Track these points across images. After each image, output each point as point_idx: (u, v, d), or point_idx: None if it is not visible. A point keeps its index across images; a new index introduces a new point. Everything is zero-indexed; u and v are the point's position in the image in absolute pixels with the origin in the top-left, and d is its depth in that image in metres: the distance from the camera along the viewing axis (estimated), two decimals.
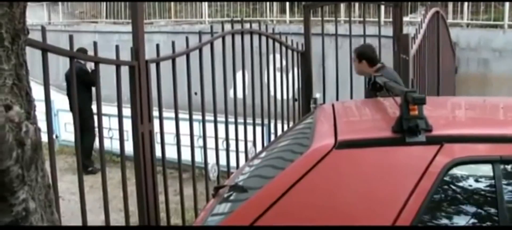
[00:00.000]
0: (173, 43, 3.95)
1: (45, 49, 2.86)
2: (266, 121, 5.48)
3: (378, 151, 2.24)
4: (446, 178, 2.15)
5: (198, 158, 4.98)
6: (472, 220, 2.14)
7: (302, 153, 2.36)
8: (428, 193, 2.09)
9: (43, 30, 2.90)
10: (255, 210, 2.16)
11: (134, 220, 3.81)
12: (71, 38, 3.11)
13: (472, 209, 2.18)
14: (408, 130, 2.19)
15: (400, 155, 2.22)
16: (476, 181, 2.23)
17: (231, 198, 2.61)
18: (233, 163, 4.82)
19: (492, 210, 2.13)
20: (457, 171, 2.18)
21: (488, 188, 2.17)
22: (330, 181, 2.20)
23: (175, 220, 4.85)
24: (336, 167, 2.21)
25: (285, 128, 5.70)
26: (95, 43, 3.33)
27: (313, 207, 2.17)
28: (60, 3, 18.71)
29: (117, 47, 3.47)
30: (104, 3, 17.79)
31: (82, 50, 7.25)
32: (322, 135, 2.43)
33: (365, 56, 5.31)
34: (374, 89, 3.40)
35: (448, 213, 2.17)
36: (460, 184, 2.22)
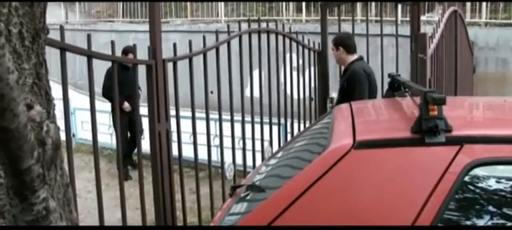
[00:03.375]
0: (190, 42, 3.95)
1: (64, 48, 2.88)
2: (282, 120, 5.46)
3: (397, 152, 2.22)
4: (466, 179, 2.12)
5: (215, 157, 4.98)
6: (493, 222, 2.11)
7: (320, 153, 2.34)
8: (448, 194, 2.06)
9: (62, 29, 2.92)
10: (273, 210, 2.15)
11: (150, 218, 3.82)
12: (89, 37, 3.13)
13: (492, 211, 2.15)
14: (427, 130, 2.16)
15: (420, 155, 2.19)
16: (497, 182, 2.20)
17: (248, 197, 2.60)
18: (249, 162, 4.82)
19: None
20: (477, 172, 2.16)
21: (509, 190, 2.14)
22: (349, 182, 2.18)
23: (191, 219, 4.85)
24: (355, 168, 2.19)
25: (302, 127, 5.68)
26: (112, 42, 3.34)
27: (332, 208, 2.15)
28: (77, 2, 18.85)
29: (134, 46, 3.48)
30: (121, 2, 17.87)
31: (130, 50, 6.87)
32: (340, 135, 2.41)
33: (341, 42, 5.49)
34: (391, 89, 3.37)
35: (468, 214, 2.14)
36: (481, 185, 2.19)
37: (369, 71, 5.39)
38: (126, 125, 7.60)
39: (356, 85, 5.21)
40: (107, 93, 7.53)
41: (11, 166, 1.26)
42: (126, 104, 7.41)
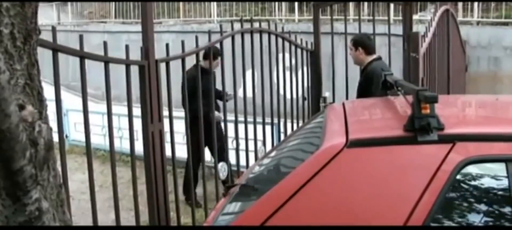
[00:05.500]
0: (182, 42, 3.94)
1: (56, 49, 2.87)
2: (275, 120, 5.46)
3: (390, 150, 2.23)
4: (459, 177, 2.13)
5: (208, 157, 4.97)
6: (485, 220, 2.12)
7: (313, 152, 2.34)
8: (441, 192, 2.08)
9: (54, 30, 2.91)
10: (266, 209, 2.15)
11: (144, 219, 3.81)
12: (81, 38, 3.12)
13: (485, 208, 2.16)
14: (420, 128, 2.18)
15: (412, 153, 2.20)
16: (489, 180, 2.21)
17: (242, 197, 2.60)
18: (243, 162, 4.82)
19: (506, 209, 2.11)
20: (470, 170, 2.16)
21: (501, 187, 2.15)
22: (342, 180, 2.19)
23: (185, 220, 4.85)
24: (348, 166, 2.20)
25: (295, 127, 5.68)
26: (105, 43, 3.33)
27: (325, 206, 2.16)
28: (69, 3, 18.79)
29: (127, 46, 3.47)
30: (113, 3, 17.83)
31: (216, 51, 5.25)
32: (333, 133, 2.42)
33: (360, 43, 5.52)
34: (384, 88, 3.38)
35: (461, 212, 2.15)
36: (473, 183, 2.20)
37: (387, 71, 5.37)
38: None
39: (374, 84, 5.22)
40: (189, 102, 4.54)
41: (3, 167, 1.26)
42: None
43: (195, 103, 4.04)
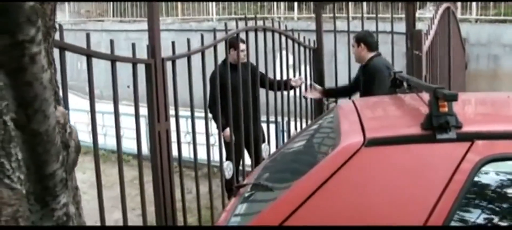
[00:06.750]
0: (188, 40, 3.90)
1: (63, 47, 2.82)
2: (278, 119, 5.42)
3: (408, 148, 2.19)
4: (478, 176, 2.10)
5: (213, 156, 4.92)
6: (506, 219, 2.08)
7: (328, 152, 2.31)
8: (460, 191, 2.04)
9: (61, 28, 2.86)
10: (284, 210, 2.11)
11: (149, 219, 3.77)
12: (88, 36, 3.08)
13: (505, 208, 2.13)
14: (438, 126, 2.14)
15: (431, 152, 2.16)
16: (509, 178, 2.18)
17: (254, 197, 2.56)
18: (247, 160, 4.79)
19: None
20: (490, 168, 2.13)
21: None
22: (360, 179, 2.15)
23: (190, 219, 4.81)
24: (366, 165, 2.16)
25: (298, 125, 5.64)
26: (111, 42, 3.29)
27: (344, 206, 2.12)
28: (66, 2, 18.66)
29: (133, 45, 3.42)
30: (116, 1, 17.69)
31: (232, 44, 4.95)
32: (349, 132, 2.38)
33: (363, 39, 5.52)
34: (394, 86, 3.36)
35: (481, 211, 2.12)
36: (493, 181, 2.17)
37: (391, 67, 5.37)
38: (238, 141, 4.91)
39: (376, 80, 5.17)
40: (212, 107, 4.67)
41: (35, 171, 1.20)
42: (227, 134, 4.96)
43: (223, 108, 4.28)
